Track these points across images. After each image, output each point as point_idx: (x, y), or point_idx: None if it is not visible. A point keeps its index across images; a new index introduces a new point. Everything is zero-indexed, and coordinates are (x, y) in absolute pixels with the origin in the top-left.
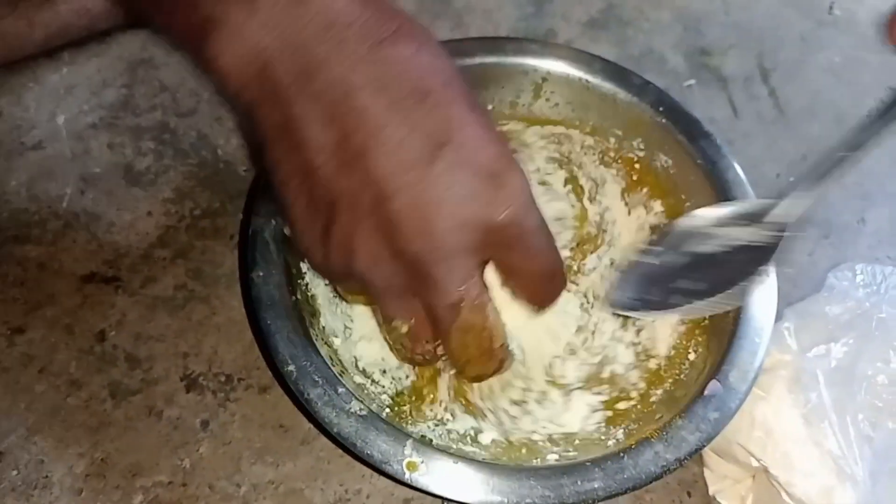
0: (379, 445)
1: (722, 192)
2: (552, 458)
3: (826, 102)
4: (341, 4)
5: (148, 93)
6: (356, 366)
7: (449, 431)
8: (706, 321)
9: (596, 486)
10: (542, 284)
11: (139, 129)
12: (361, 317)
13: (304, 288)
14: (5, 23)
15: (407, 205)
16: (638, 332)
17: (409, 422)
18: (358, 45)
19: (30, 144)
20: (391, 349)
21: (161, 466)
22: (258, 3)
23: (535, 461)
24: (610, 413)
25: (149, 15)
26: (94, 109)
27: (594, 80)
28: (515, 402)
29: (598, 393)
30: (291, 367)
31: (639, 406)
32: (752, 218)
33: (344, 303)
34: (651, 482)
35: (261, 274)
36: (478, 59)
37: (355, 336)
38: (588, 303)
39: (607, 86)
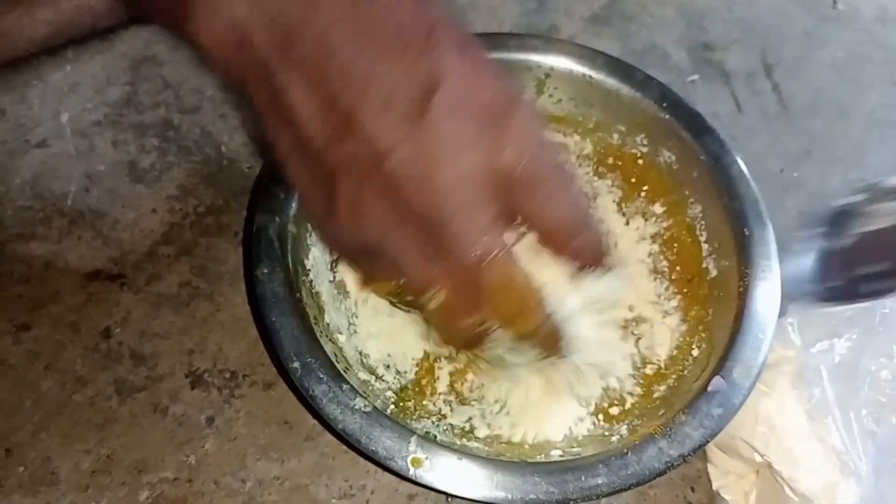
0: (383, 442)
1: (725, 187)
2: (556, 455)
3: (829, 98)
4: None
5: (151, 90)
6: (361, 362)
7: (452, 426)
8: (709, 317)
9: (600, 482)
10: (569, 233)
11: (143, 127)
12: (366, 314)
13: (308, 285)
14: (8, 19)
15: (405, 162)
16: (637, 340)
17: (413, 418)
18: (335, 3)
19: (34, 142)
20: (431, 339)
21: (166, 463)
22: None
23: (539, 457)
24: (599, 417)
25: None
26: (97, 107)
27: (597, 75)
28: (499, 402)
29: (587, 405)
30: (296, 364)
31: (641, 402)
32: None
33: (348, 299)
34: (655, 478)
35: (265, 271)
36: None
37: (360, 333)
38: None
39: (610, 81)
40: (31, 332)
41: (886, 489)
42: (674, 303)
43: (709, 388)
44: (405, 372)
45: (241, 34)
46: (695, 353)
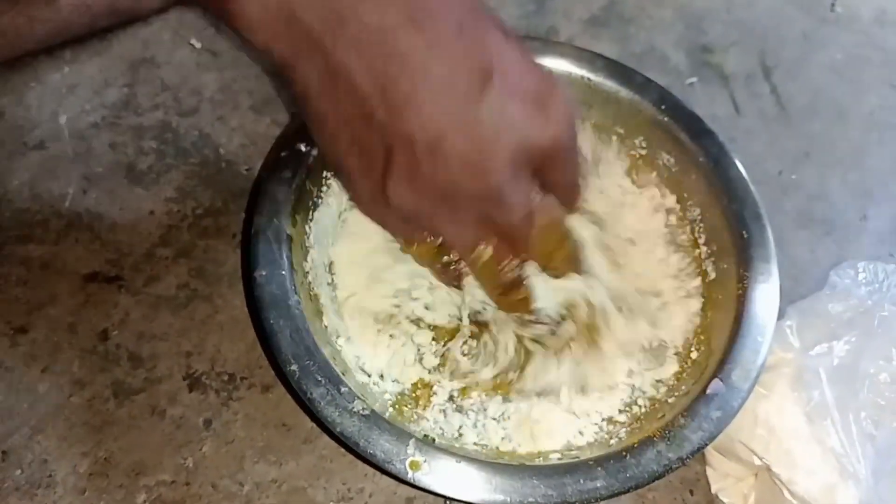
0: (382, 445)
1: (724, 189)
2: (555, 458)
3: (828, 100)
4: None
5: (150, 92)
6: (359, 365)
7: (444, 431)
8: (709, 320)
9: (598, 484)
10: (574, 191)
11: (141, 129)
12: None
13: (307, 287)
14: (5, 19)
15: (465, 141)
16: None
17: (412, 421)
18: None
19: (32, 144)
20: (477, 286)
21: (164, 465)
22: None
23: (537, 460)
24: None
25: None
26: (96, 109)
27: (596, 78)
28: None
29: (629, 356)
30: (294, 367)
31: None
32: None
33: (346, 303)
34: (653, 481)
35: (264, 273)
36: None
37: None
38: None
39: (609, 84)
40: (29, 335)
41: (885, 491)
42: (696, 283)
43: (707, 391)
44: (405, 374)
45: (289, 13)
46: (694, 355)
